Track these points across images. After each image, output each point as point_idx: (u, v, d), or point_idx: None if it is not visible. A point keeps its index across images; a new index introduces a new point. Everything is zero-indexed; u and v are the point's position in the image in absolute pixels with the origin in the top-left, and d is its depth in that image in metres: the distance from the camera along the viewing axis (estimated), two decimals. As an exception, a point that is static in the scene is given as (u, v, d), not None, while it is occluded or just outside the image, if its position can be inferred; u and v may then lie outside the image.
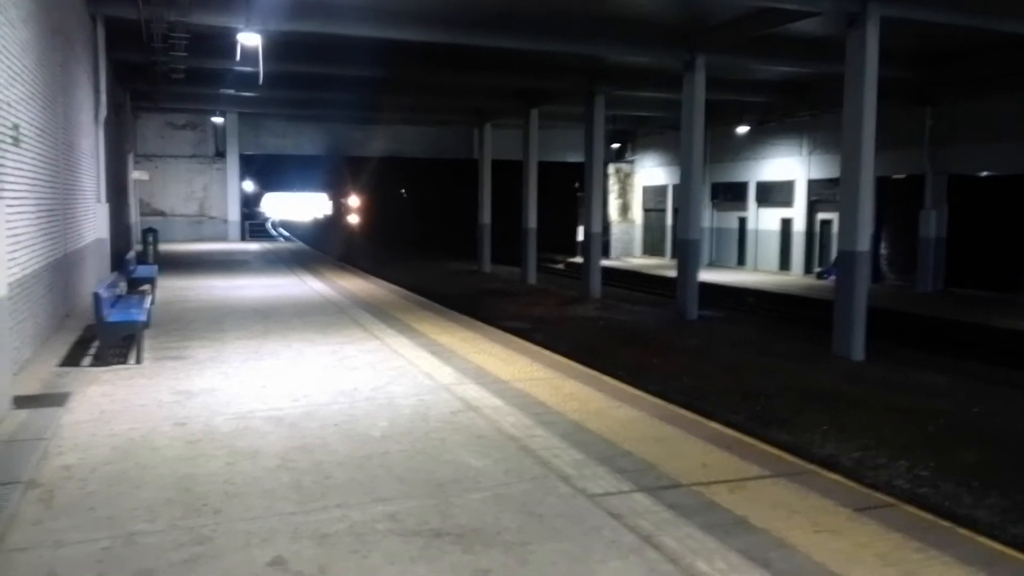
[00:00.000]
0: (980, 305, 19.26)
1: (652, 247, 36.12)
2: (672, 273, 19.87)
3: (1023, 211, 20.13)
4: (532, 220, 27.21)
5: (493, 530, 4.40)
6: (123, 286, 13.75)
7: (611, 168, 36.42)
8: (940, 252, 22.52)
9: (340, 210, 71.26)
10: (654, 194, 35.83)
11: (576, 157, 30.04)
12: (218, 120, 32.58)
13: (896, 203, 23.84)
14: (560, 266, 35.20)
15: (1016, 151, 20.17)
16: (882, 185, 22.83)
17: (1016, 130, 20.11)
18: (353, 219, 62.87)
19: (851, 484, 5.42)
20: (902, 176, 23.33)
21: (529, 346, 10.49)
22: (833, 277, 18.42)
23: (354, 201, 62.98)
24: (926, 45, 18.44)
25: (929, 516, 4.81)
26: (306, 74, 21.98)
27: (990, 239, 21.34)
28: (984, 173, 21.59)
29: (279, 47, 17.59)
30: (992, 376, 12.95)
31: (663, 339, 15.36)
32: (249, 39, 14.78)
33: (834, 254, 21.70)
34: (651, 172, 35.97)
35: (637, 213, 37.04)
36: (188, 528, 4.39)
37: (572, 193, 36.99)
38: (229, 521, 4.50)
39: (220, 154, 33.57)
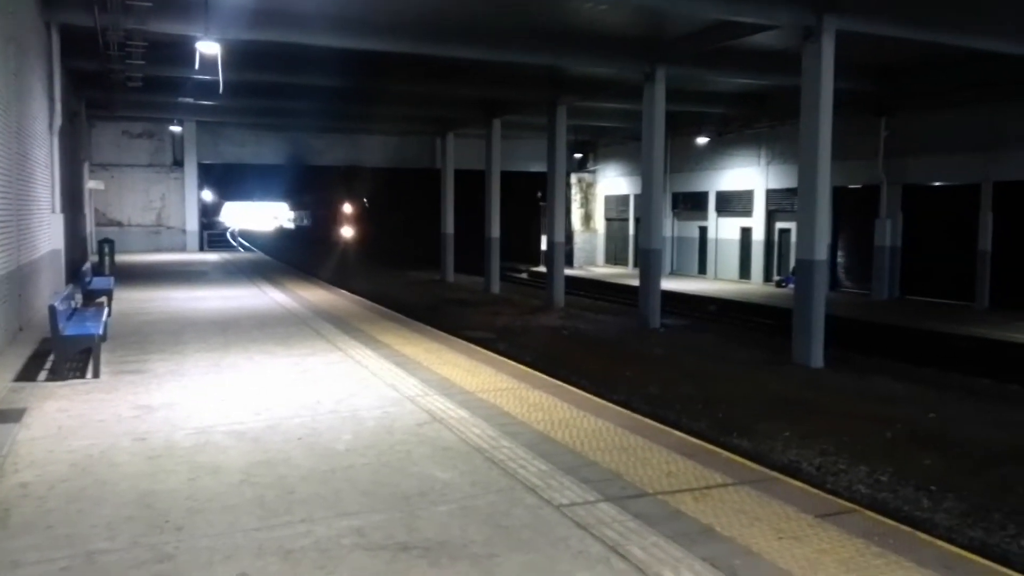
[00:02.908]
0: (935, 312, 19.68)
1: (615, 256, 36.35)
2: (635, 282, 20.01)
3: (975, 220, 20.63)
4: (495, 229, 27.23)
5: (460, 543, 4.39)
6: (79, 298, 13.48)
7: (573, 178, 36.63)
8: (895, 260, 22.98)
9: (327, 219, 65.87)
10: (616, 203, 36.10)
11: (539, 167, 30.14)
12: (176, 129, 32.15)
13: (853, 212, 24.29)
14: (524, 275, 35.25)
15: (967, 161, 20.69)
16: (839, 195, 23.24)
17: (967, 141, 20.63)
18: (347, 231, 57.18)
19: (813, 490, 5.51)
20: (858, 186, 23.79)
21: (494, 356, 10.50)
22: (792, 285, 18.70)
23: (347, 210, 57.64)
24: (881, 58, 18.84)
25: (889, 521, 4.91)
26: (267, 83, 21.78)
27: (944, 247, 21.84)
28: (937, 183, 22.09)
29: (239, 55, 17.43)
30: (947, 382, 13.21)
31: (627, 348, 15.46)
32: (208, 48, 14.61)
33: (793, 263, 22.04)
34: (613, 182, 36.24)
35: (599, 222, 37.27)
36: (150, 546, 4.31)
37: (535, 203, 37.12)
38: (192, 538, 4.43)
39: (178, 163, 33.11)
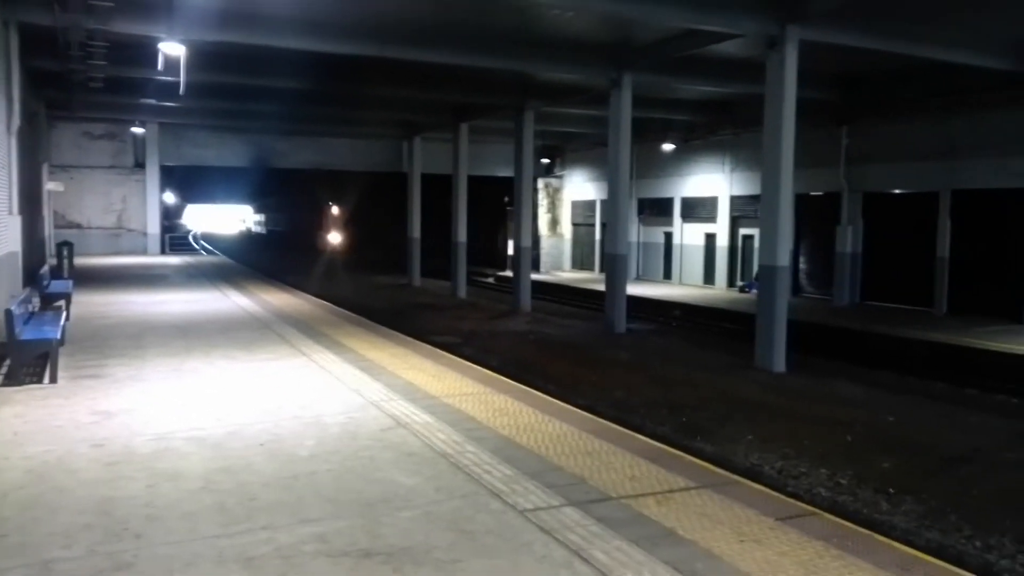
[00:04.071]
0: (894, 318, 20.00)
1: (581, 261, 36.48)
2: (601, 287, 20.11)
3: (933, 227, 21.01)
4: (462, 234, 27.19)
5: (423, 548, 4.38)
6: (36, 302, 13.24)
7: (540, 183, 36.70)
8: (856, 266, 23.32)
9: (297, 223, 61.55)
10: (583, 209, 36.24)
11: (506, 172, 30.18)
12: (138, 130, 31.67)
13: (814, 219, 24.61)
14: (490, 280, 35.26)
15: (926, 169, 21.07)
16: (801, 202, 23.53)
17: (926, 149, 21.01)
18: (334, 237, 52.07)
19: (774, 494, 5.57)
20: (820, 193, 24.11)
21: (460, 361, 10.49)
22: (755, 291, 18.91)
23: (322, 214, 52.49)
24: (843, 68, 19.14)
25: (848, 524, 4.98)
26: (231, 84, 21.55)
27: (903, 254, 22.21)
28: (897, 190, 22.47)
29: (203, 57, 17.23)
30: (905, 386, 13.45)
31: (592, 352, 15.51)
32: (171, 49, 14.43)
33: (755, 268, 22.30)
34: (580, 187, 36.38)
35: (566, 227, 37.39)
36: (108, 554, 4.24)
37: (502, 207, 37.14)
38: (151, 546, 4.37)
39: (139, 165, 32.63)
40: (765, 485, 6.06)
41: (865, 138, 22.64)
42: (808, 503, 6.05)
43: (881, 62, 17.67)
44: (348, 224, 51.87)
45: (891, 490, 7.66)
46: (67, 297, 13.93)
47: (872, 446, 9.09)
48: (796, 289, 24.38)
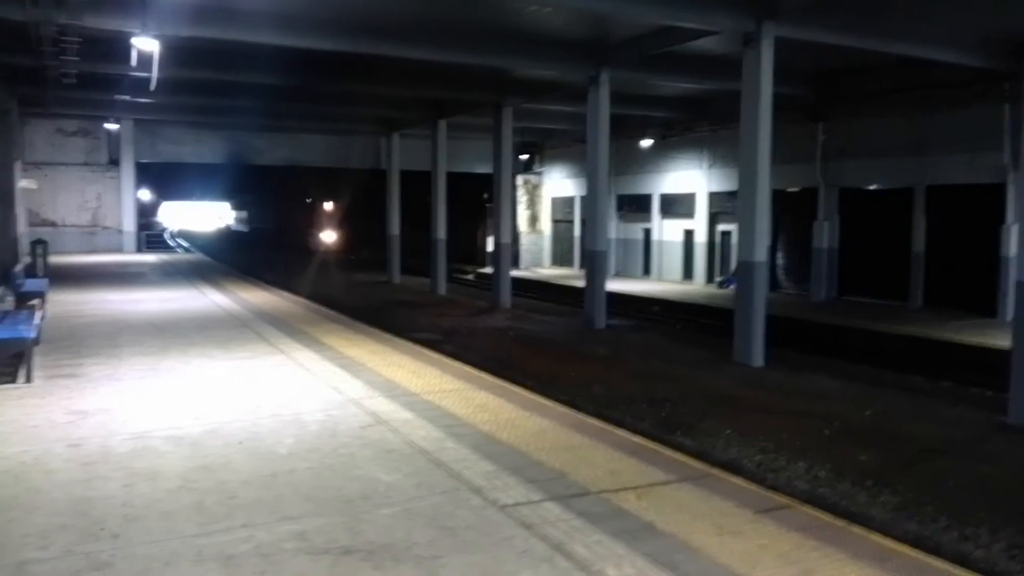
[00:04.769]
0: (870, 312, 20.20)
1: (561, 257, 36.52)
2: (580, 283, 20.14)
3: (908, 222, 21.23)
4: (441, 231, 27.14)
5: (403, 545, 4.37)
6: (10, 301, 13.11)
7: (520, 179, 36.69)
8: (833, 262, 23.53)
9: (302, 221, 59.52)
10: (562, 205, 36.28)
11: (485, 168, 30.11)
12: (112, 127, 31.33)
13: (791, 215, 24.79)
14: (470, 277, 35.22)
15: (901, 165, 21.29)
16: (778, 198, 23.67)
17: (901, 145, 21.22)
18: (328, 236, 48.90)
19: (753, 487, 5.61)
20: (797, 189, 24.29)
21: (439, 357, 10.48)
22: (733, 286, 19.02)
23: (329, 210, 49.24)
24: (818, 64, 19.27)
25: (825, 516, 5.03)
26: (207, 80, 21.34)
27: (879, 249, 22.43)
28: (872, 186, 22.68)
29: (179, 52, 17.06)
30: (882, 379, 13.57)
31: (572, 348, 15.54)
32: (145, 44, 14.27)
33: (734, 264, 22.43)
34: (559, 184, 36.42)
35: (546, 224, 37.42)
36: (85, 554, 4.20)
37: (482, 204, 37.10)
38: (128, 545, 4.33)
39: (114, 162, 32.29)
40: (744, 478, 6.10)
41: (841, 134, 22.84)
42: (787, 496, 6.09)
43: (855, 58, 17.82)
44: (343, 222, 50.27)
45: (869, 482, 7.72)
46: (42, 296, 13.76)
47: (850, 439, 9.16)
48: (774, 284, 24.54)
